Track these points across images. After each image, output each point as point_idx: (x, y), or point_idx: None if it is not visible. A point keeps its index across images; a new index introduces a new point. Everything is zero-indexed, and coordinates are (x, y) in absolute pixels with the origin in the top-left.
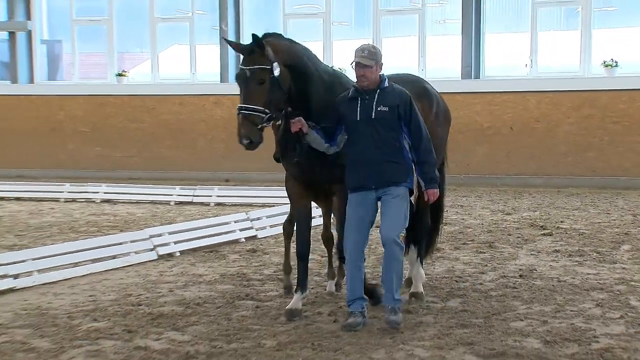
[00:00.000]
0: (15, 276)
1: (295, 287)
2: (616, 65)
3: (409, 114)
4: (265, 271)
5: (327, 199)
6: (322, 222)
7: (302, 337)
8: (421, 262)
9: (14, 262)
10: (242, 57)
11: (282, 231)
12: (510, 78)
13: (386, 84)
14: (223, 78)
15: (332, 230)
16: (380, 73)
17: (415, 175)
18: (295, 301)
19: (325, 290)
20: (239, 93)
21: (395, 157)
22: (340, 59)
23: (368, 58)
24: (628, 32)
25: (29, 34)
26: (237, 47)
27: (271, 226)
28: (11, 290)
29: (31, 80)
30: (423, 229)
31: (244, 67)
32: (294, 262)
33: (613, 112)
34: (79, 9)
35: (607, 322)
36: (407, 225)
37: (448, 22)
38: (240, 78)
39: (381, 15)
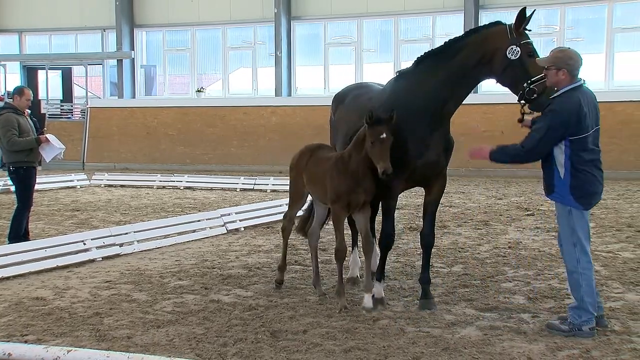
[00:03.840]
0: (121, 245)
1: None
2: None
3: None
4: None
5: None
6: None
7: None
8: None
9: (120, 234)
10: None
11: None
12: (501, 92)
13: (558, 93)
14: (277, 93)
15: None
16: (574, 83)
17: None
18: (379, 291)
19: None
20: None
21: (544, 165)
22: (368, 78)
23: (546, 59)
24: (592, 58)
25: (132, 61)
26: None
27: None
28: (117, 256)
29: (133, 95)
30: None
31: None
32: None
33: None
34: (169, 41)
35: None
36: (573, 246)
37: None
38: None
39: (400, 44)
